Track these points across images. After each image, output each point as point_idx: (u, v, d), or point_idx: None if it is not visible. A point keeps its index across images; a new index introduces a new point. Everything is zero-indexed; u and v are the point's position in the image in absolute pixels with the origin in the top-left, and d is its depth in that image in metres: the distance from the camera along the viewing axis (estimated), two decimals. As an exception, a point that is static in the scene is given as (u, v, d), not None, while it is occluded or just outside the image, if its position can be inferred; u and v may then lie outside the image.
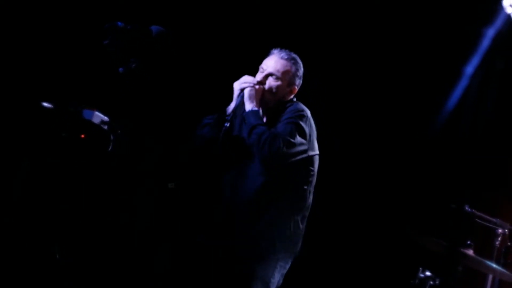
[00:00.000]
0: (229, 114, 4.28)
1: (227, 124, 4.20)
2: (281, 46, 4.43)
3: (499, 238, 5.05)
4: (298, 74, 4.36)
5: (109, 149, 3.96)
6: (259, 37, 6.13)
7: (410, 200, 7.01)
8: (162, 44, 3.65)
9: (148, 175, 5.89)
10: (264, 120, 4.29)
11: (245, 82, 4.28)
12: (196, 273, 4.64)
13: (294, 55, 4.38)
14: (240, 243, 4.20)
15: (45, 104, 4.25)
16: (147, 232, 5.84)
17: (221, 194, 4.36)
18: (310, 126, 4.24)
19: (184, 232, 5.89)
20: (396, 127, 7.04)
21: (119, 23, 3.59)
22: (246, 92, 4.24)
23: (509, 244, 5.03)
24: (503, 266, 5.05)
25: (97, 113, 3.98)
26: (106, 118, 3.98)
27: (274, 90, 4.29)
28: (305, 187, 4.27)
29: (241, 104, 4.26)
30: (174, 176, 6.06)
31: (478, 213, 5.11)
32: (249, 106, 4.21)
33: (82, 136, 4.46)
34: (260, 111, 4.23)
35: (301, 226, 4.27)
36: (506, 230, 5.04)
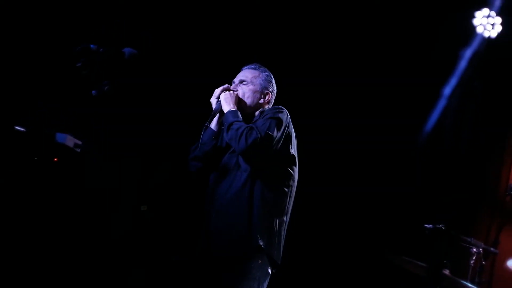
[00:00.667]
0: (209, 117, 4.37)
1: (207, 124, 4.34)
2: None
3: (474, 257, 5.06)
4: (268, 79, 4.52)
5: (82, 172, 3.94)
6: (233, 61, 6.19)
7: (388, 221, 7.05)
8: (135, 66, 3.65)
9: (121, 198, 5.86)
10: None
11: (220, 90, 4.41)
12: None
13: (261, 65, 4.57)
14: (220, 247, 4.16)
15: (18, 127, 4.22)
16: (121, 253, 5.80)
17: (208, 209, 4.31)
18: (290, 123, 4.30)
19: (159, 253, 5.86)
20: (374, 149, 7.09)
21: (92, 46, 3.57)
22: (222, 97, 4.36)
23: (483, 263, 5.05)
24: (477, 285, 5.06)
25: (70, 136, 3.95)
26: (79, 142, 3.96)
27: (247, 94, 4.43)
28: (286, 189, 4.28)
29: (221, 112, 4.35)
30: (147, 198, 6.04)
31: (454, 233, 5.14)
32: (227, 108, 4.31)
33: (55, 159, 4.43)
34: (240, 115, 4.26)
35: (282, 231, 4.25)
36: (481, 249, 5.06)
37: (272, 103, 4.56)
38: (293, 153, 4.34)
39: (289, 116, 4.32)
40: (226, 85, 4.47)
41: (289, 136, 4.30)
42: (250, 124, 4.16)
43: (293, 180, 4.36)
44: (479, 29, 6.54)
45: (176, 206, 6.26)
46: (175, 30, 6.45)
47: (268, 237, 4.14)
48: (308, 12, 6.87)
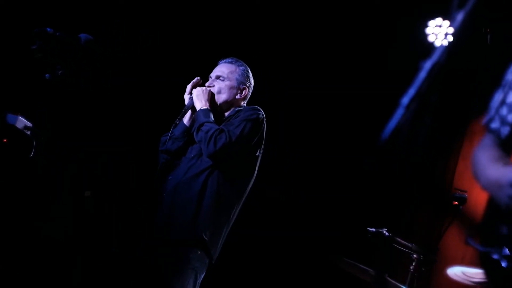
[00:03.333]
0: (180, 113, 4.33)
1: (177, 121, 4.30)
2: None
3: (414, 263, 5.14)
4: (245, 74, 4.49)
5: (31, 155, 3.91)
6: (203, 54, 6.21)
7: (333, 224, 7.12)
8: (90, 52, 3.65)
9: (66, 183, 5.82)
10: (221, 122, 4.31)
11: (192, 87, 4.40)
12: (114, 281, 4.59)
13: (238, 59, 4.53)
14: (163, 229, 4.12)
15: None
16: (63, 239, 5.76)
17: (159, 193, 4.28)
18: (264, 126, 4.30)
19: (100, 242, 5.83)
20: (325, 154, 7.16)
21: (48, 29, 3.56)
22: (194, 93, 4.32)
23: (423, 269, 5.13)
24: (415, 291, 5.15)
25: (21, 118, 3.93)
26: (29, 124, 3.93)
27: (223, 90, 4.39)
28: (240, 190, 4.29)
29: (193, 107, 4.32)
30: (91, 184, 6.01)
31: (395, 237, 5.21)
32: (198, 105, 4.27)
33: (4, 140, 4.40)
34: (211, 115, 4.23)
35: (224, 231, 4.23)
36: (421, 256, 5.14)
37: (248, 97, 4.53)
38: (258, 155, 4.33)
39: (264, 118, 4.31)
40: (196, 79, 4.44)
41: (260, 140, 4.29)
42: (221, 126, 4.14)
43: (249, 183, 4.36)
44: (430, 38, 6.66)
45: (122, 193, 6.23)
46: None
47: (212, 232, 4.12)
48: (268, 20, 6.90)
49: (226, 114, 4.42)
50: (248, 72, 4.52)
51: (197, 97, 4.30)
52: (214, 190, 4.13)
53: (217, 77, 4.43)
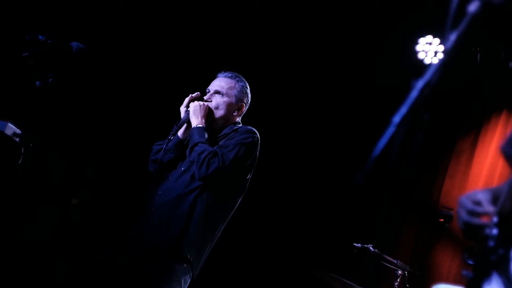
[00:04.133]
0: (174, 129, 4.29)
1: (171, 137, 4.25)
2: (227, 69, 4.51)
3: (398, 279, 5.15)
4: (244, 90, 4.44)
5: (19, 161, 3.90)
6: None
7: (318, 238, 7.13)
8: (81, 61, 3.65)
9: (52, 190, 5.80)
10: (215, 138, 4.29)
11: (190, 101, 4.34)
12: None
13: (238, 74, 4.46)
14: (148, 243, 4.10)
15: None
16: (47, 246, 5.73)
17: (148, 204, 4.26)
18: (256, 151, 4.27)
19: (85, 248, 5.81)
20: (315, 170, 7.19)
21: (40, 36, 3.56)
22: (191, 108, 4.25)
23: (407, 286, 5.14)
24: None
25: (10, 124, 3.91)
26: (18, 131, 3.92)
27: (221, 106, 4.34)
28: (227, 211, 4.28)
29: (189, 121, 4.27)
30: (78, 192, 5.99)
31: (381, 253, 5.23)
32: (194, 122, 4.22)
33: (-7, 147, 4.38)
34: (206, 135, 4.18)
35: (208, 248, 4.22)
36: (406, 272, 5.15)
37: (243, 113, 4.48)
38: (249, 178, 4.32)
39: (259, 140, 4.28)
40: (196, 94, 4.37)
41: (252, 163, 4.27)
42: (215, 148, 4.09)
43: (237, 203, 4.35)
44: (420, 55, 6.70)
45: (110, 201, 6.21)
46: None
47: (196, 251, 4.11)
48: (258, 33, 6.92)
49: (221, 130, 4.38)
50: (246, 88, 4.47)
51: (194, 113, 4.24)
52: (202, 210, 4.11)
53: (216, 92, 4.37)
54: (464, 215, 2.33)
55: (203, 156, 4.02)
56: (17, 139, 3.89)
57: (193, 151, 4.10)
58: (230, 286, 6.93)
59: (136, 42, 6.26)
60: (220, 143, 4.24)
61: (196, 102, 4.29)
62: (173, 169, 4.30)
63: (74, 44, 3.65)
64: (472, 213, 2.31)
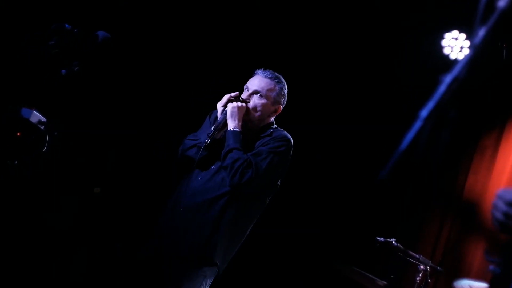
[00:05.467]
0: (211, 132, 4.18)
1: (208, 141, 4.12)
2: (264, 66, 4.43)
3: (420, 274, 5.14)
4: (283, 92, 4.36)
5: (44, 149, 3.92)
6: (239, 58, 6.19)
7: (341, 232, 7.12)
8: (107, 50, 3.66)
9: (75, 178, 5.84)
10: (249, 138, 4.24)
11: (228, 100, 4.26)
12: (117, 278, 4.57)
13: (278, 74, 4.38)
14: (174, 245, 4.09)
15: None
16: (68, 234, 5.77)
17: (176, 202, 4.24)
18: (289, 159, 4.24)
19: (105, 236, 5.83)
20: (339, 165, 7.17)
21: (67, 25, 3.57)
22: (229, 109, 4.18)
23: (429, 280, 5.13)
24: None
25: (35, 112, 3.93)
26: (43, 119, 3.94)
27: (259, 108, 4.27)
28: (255, 216, 4.29)
29: (225, 121, 4.20)
30: (101, 181, 6.02)
31: (403, 248, 5.22)
32: (231, 124, 4.16)
33: (18, 134, 4.40)
34: (241, 138, 4.12)
35: (235, 251, 4.24)
36: (428, 267, 5.14)
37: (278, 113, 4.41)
38: (279, 184, 4.29)
39: (292, 147, 4.24)
40: (235, 93, 4.29)
41: (284, 170, 4.25)
42: (249, 156, 4.04)
43: (265, 205, 4.33)
44: (446, 51, 6.65)
45: (132, 192, 6.23)
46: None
47: (223, 255, 4.12)
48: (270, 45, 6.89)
49: (255, 130, 4.32)
50: (285, 90, 4.38)
51: (231, 114, 4.17)
52: (231, 218, 4.10)
53: (255, 92, 4.29)
54: (503, 206, 2.30)
55: (237, 164, 3.98)
56: (42, 127, 3.91)
57: (227, 157, 4.05)
58: (252, 279, 6.94)
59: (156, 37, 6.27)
60: (255, 145, 4.20)
61: (234, 103, 4.21)
62: (203, 167, 4.26)
63: (100, 33, 3.66)
64: None
